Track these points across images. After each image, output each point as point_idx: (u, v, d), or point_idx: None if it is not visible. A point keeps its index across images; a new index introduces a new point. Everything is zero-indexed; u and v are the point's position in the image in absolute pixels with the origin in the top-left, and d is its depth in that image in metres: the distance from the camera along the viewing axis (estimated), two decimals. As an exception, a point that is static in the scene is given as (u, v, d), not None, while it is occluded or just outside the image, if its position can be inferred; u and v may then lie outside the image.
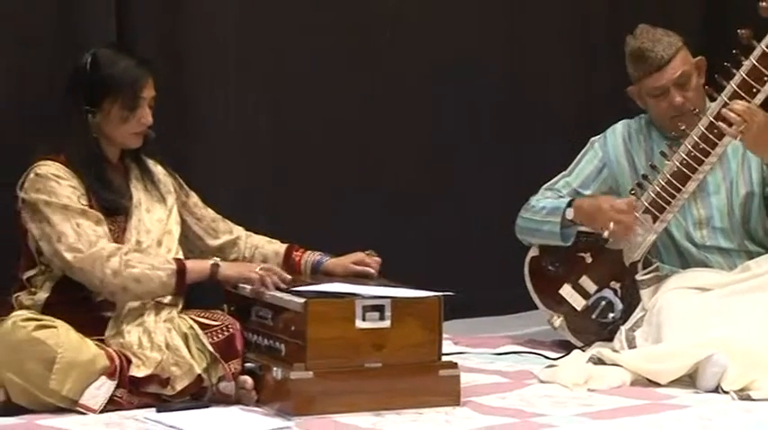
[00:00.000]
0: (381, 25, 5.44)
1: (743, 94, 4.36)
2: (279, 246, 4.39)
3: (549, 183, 4.82)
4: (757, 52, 4.33)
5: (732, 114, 4.35)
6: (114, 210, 4.09)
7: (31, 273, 4.06)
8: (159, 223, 4.16)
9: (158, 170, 4.26)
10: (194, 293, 4.12)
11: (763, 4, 4.31)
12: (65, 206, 3.97)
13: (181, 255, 4.15)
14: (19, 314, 3.92)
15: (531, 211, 4.76)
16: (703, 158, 4.46)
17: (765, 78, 4.34)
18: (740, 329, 4.22)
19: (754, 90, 4.35)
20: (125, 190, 4.16)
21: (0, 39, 4.60)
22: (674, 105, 4.54)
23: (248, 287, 4.11)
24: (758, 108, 4.37)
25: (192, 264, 4.07)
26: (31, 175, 4.02)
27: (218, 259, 4.13)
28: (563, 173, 4.82)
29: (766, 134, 4.37)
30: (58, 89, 4.32)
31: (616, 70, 4.69)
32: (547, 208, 4.72)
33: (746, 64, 4.35)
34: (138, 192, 4.17)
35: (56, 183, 3.99)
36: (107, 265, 3.95)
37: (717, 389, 4.08)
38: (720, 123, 4.38)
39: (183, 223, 4.27)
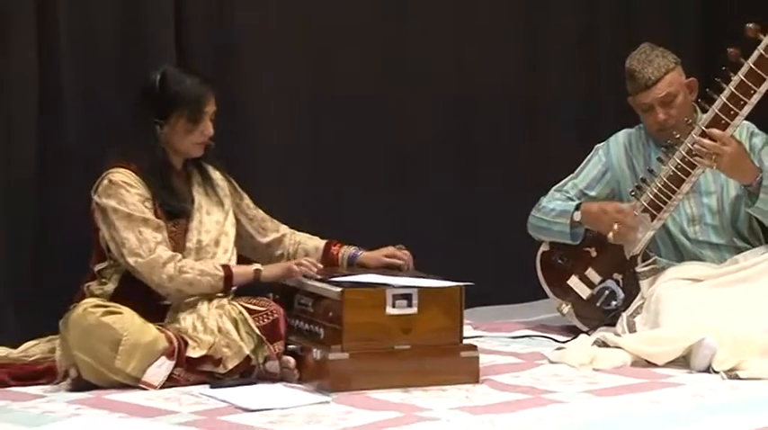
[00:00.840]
0: (411, 34, 5.40)
1: (731, 106, 4.36)
2: (318, 242, 4.41)
3: (558, 185, 4.83)
4: (745, 68, 4.34)
5: (703, 149, 4.38)
6: (177, 214, 4.13)
7: (101, 265, 4.09)
8: (217, 225, 4.19)
9: (216, 176, 4.28)
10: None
11: (750, 26, 4.33)
12: (129, 215, 4.01)
13: (235, 254, 4.19)
14: (89, 301, 3.96)
15: (542, 212, 4.78)
16: (695, 164, 4.47)
17: (752, 92, 4.34)
18: (729, 316, 4.24)
19: (742, 102, 4.36)
20: (187, 194, 4.18)
21: (71, 49, 4.60)
22: (657, 121, 4.56)
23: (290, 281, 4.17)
24: (730, 138, 4.38)
25: (237, 270, 4.11)
26: (105, 182, 4.05)
27: (259, 265, 4.16)
28: (570, 176, 4.83)
29: (739, 161, 4.40)
30: (124, 94, 4.38)
31: (621, 83, 4.69)
32: (556, 210, 4.74)
33: (735, 79, 4.35)
34: (199, 196, 4.19)
35: (125, 190, 4.03)
36: (163, 271, 4.00)
37: (708, 370, 4.08)
38: (697, 149, 4.40)
39: (237, 223, 4.29)
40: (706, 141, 4.39)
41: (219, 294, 4.08)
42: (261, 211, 4.40)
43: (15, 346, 4.11)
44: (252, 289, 4.16)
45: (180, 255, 4.05)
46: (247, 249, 4.32)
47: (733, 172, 4.47)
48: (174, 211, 4.12)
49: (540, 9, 5.70)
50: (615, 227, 4.58)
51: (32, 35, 4.50)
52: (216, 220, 4.20)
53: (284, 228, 4.42)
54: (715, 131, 4.39)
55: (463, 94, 5.55)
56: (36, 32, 4.51)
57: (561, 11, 5.73)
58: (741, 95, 4.37)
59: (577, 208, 4.70)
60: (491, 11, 5.58)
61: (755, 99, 4.37)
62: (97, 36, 4.67)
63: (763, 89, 4.36)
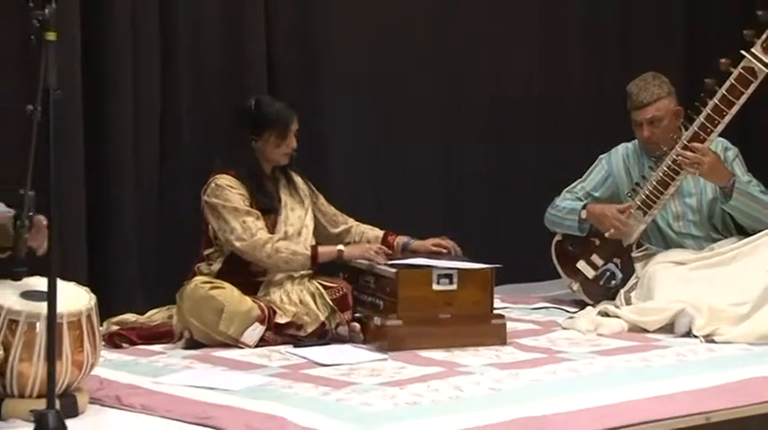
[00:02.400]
0: (456, 64, 5.37)
1: (708, 124, 4.35)
2: (378, 232, 4.41)
3: (569, 187, 4.81)
4: (718, 95, 4.32)
5: (686, 160, 4.36)
6: (268, 210, 4.14)
7: (209, 250, 4.13)
8: (299, 219, 4.20)
9: (298, 180, 4.29)
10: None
11: (723, 60, 4.31)
12: (235, 208, 4.04)
13: (313, 242, 4.19)
14: (199, 279, 4.01)
15: (555, 209, 4.76)
16: (679, 170, 4.46)
17: (724, 113, 4.32)
18: (706, 292, 4.21)
19: (716, 121, 4.34)
20: (276, 194, 4.20)
21: (188, 82, 4.61)
22: (642, 136, 4.54)
23: (362, 262, 4.15)
24: (708, 149, 4.37)
25: (323, 250, 4.12)
26: (212, 185, 4.09)
27: (342, 246, 4.17)
28: (579, 180, 4.80)
29: (716, 168, 4.37)
30: (226, 117, 4.38)
31: (622, 106, 4.65)
32: (567, 208, 4.72)
33: (711, 103, 4.33)
34: (285, 196, 4.21)
35: (229, 191, 4.06)
36: (263, 251, 4.02)
37: (689, 335, 4.06)
38: (682, 160, 4.39)
39: (314, 217, 4.29)
40: (689, 153, 4.37)
41: (303, 272, 4.09)
42: (332, 208, 4.40)
43: (142, 313, 4.15)
44: (326, 269, 4.17)
45: (277, 237, 4.07)
46: (322, 238, 4.32)
47: (711, 176, 4.44)
48: (265, 208, 4.13)
49: (558, 53, 5.69)
50: (612, 230, 4.58)
51: (156, 71, 4.53)
52: (298, 216, 4.21)
53: (351, 221, 4.43)
54: (696, 145, 4.38)
55: (499, 116, 5.51)
56: (160, 70, 4.54)
57: (576, 53, 5.72)
58: (716, 116, 4.34)
59: (584, 207, 4.68)
60: (525, 59, 5.57)
61: (727, 119, 4.35)
62: (207, 73, 4.68)
63: (733, 111, 4.33)
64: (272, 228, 4.13)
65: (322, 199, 4.40)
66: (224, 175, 4.10)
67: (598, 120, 5.65)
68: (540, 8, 5.62)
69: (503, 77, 5.51)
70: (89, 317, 3.17)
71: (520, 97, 5.55)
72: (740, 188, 4.40)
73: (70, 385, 3.12)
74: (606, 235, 4.61)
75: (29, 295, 3.09)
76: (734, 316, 4.10)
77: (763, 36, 4.27)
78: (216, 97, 4.66)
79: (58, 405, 2.76)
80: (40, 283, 2.98)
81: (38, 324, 3.03)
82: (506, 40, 5.52)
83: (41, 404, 2.77)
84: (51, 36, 2.70)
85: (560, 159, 5.51)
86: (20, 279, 2.82)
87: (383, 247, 4.20)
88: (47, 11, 2.69)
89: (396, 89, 5.19)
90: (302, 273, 4.10)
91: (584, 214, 4.67)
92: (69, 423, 2.78)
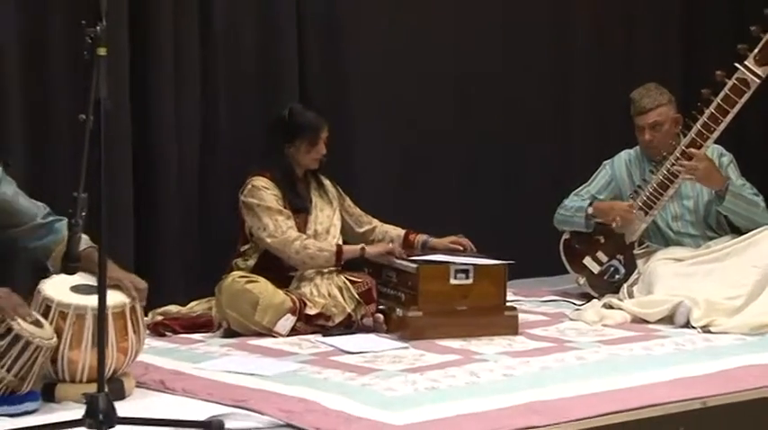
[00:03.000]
0: (475, 77, 5.34)
1: (704, 131, 4.34)
2: (400, 231, 4.40)
3: (576, 190, 4.79)
4: (714, 104, 4.30)
5: (683, 167, 4.35)
6: (300, 210, 4.15)
7: (245, 247, 4.13)
8: (328, 219, 4.21)
9: (327, 183, 4.30)
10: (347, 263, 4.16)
11: (719, 72, 4.30)
12: (269, 207, 4.05)
13: (340, 239, 4.20)
14: (235, 273, 4.01)
15: (564, 209, 4.75)
16: (678, 174, 4.44)
17: (719, 121, 4.31)
18: (703, 286, 4.20)
19: (712, 129, 4.32)
20: (307, 196, 4.21)
21: (225, 94, 4.61)
22: (644, 140, 4.52)
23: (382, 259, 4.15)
24: (704, 155, 4.36)
25: (347, 248, 4.12)
26: (249, 186, 4.10)
27: (364, 244, 4.17)
28: (585, 184, 4.78)
29: (711, 174, 4.36)
30: (262, 126, 4.39)
31: (624, 115, 4.65)
32: (575, 207, 4.71)
33: (707, 112, 4.32)
34: (315, 198, 4.21)
35: (264, 192, 4.07)
36: (292, 247, 4.02)
37: (687, 325, 4.05)
38: (677, 168, 4.39)
39: (341, 217, 4.28)
40: (686, 161, 4.36)
41: (331, 268, 4.09)
42: (358, 209, 4.40)
43: (184, 305, 4.16)
44: (353, 265, 4.17)
45: (305, 235, 4.08)
46: (348, 237, 4.31)
47: (707, 182, 4.42)
48: (297, 208, 4.14)
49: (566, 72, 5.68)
50: (618, 219, 4.56)
51: (197, 86, 4.54)
52: (327, 215, 4.22)
53: (375, 221, 4.42)
54: (692, 151, 4.36)
55: (512, 118, 5.48)
56: (200, 83, 4.55)
57: (583, 72, 5.70)
58: (711, 124, 4.33)
59: (590, 204, 4.68)
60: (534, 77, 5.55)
61: (722, 126, 4.33)
62: (244, 85, 4.68)
63: (728, 119, 4.32)
64: (303, 227, 4.14)
65: (348, 201, 4.39)
66: (260, 177, 4.11)
67: (602, 126, 5.62)
68: (547, 13, 5.60)
69: (513, 92, 5.49)
70: (133, 308, 3.18)
71: (531, 102, 5.52)
72: (733, 191, 4.38)
73: (116, 370, 3.13)
74: (613, 224, 4.58)
75: (78, 289, 3.13)
76: (729, 308, 4.09)
77: (756, 50, 4.26)
78: (251, 100, 4.65)
79: (106, 388, 2.77)
80: (91, 278, 3.00)
81: (86, 315, 3.06)
82: (514, 42, 5.49)
83: (91, 388, 2.79)
84: (102, 51, 2.72)
85: (567, 164, 5.49)
86: (73, 273, 2.84)
87: (398, 247, 4.18)
88: (98, 28, 2.72)
89: (416, 105, 5.14)
90: (330, 269, 4.10)
91: (590, 210, 4.66)
92: (117, 405, 2.78)
